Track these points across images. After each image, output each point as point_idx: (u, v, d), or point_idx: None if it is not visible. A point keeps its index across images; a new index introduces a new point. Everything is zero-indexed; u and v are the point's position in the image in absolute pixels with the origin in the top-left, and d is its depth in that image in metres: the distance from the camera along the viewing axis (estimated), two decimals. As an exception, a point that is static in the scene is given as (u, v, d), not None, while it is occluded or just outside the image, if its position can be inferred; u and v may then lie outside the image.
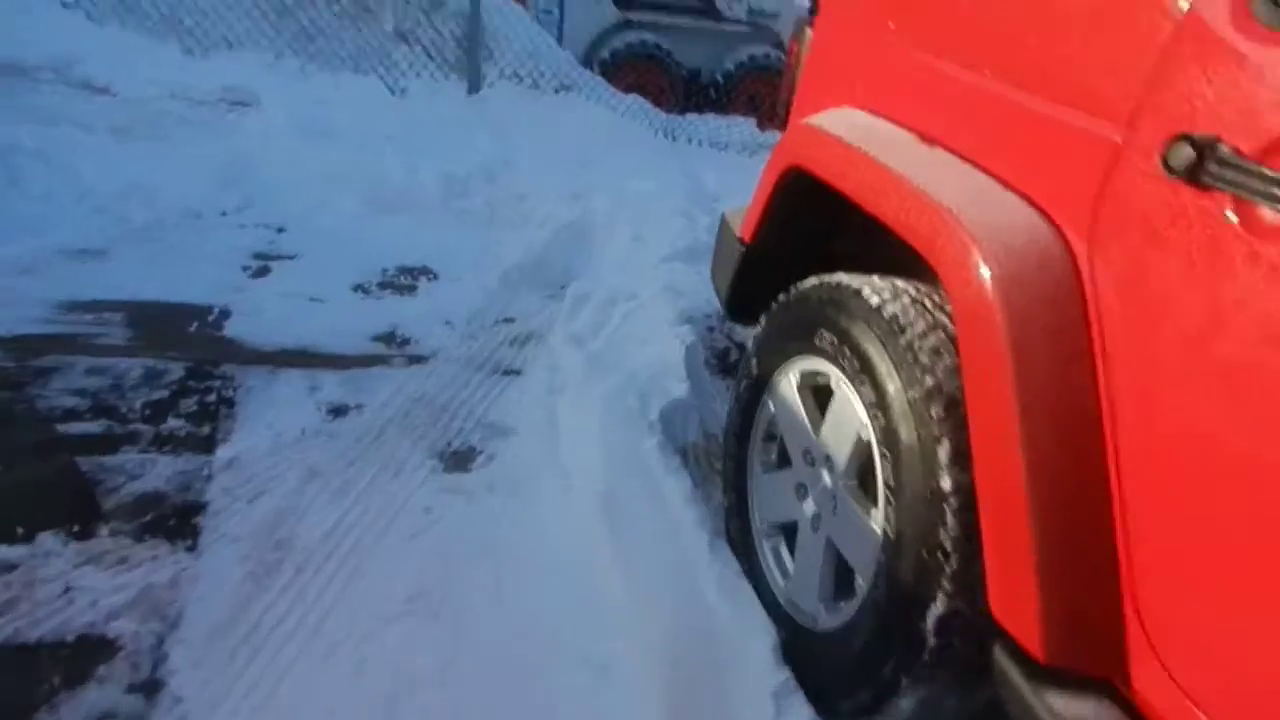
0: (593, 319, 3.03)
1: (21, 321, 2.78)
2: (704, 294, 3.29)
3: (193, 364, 2.69)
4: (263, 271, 3.51)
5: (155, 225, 3.73)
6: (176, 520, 2.01)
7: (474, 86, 5.08)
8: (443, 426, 2.53)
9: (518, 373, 2.92)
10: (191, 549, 1.93)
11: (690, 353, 2.72)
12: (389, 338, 3.07)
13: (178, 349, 2.77)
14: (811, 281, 1.72)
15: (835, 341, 1.58)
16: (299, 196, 4.20)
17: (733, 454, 1.97)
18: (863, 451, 1.55)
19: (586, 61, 5.81)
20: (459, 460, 2.39)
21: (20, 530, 1.88)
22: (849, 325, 1.55)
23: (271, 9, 4.75)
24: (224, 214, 4.01)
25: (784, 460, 1.83)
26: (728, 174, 5.26)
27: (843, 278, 1.63)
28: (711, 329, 3.11)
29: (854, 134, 1.64)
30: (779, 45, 6.37)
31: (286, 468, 2.20)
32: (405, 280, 3.64)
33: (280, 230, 3.93)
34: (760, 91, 6.27)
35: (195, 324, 2.97)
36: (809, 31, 2.04)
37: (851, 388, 1.55)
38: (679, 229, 4.03)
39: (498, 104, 5.07)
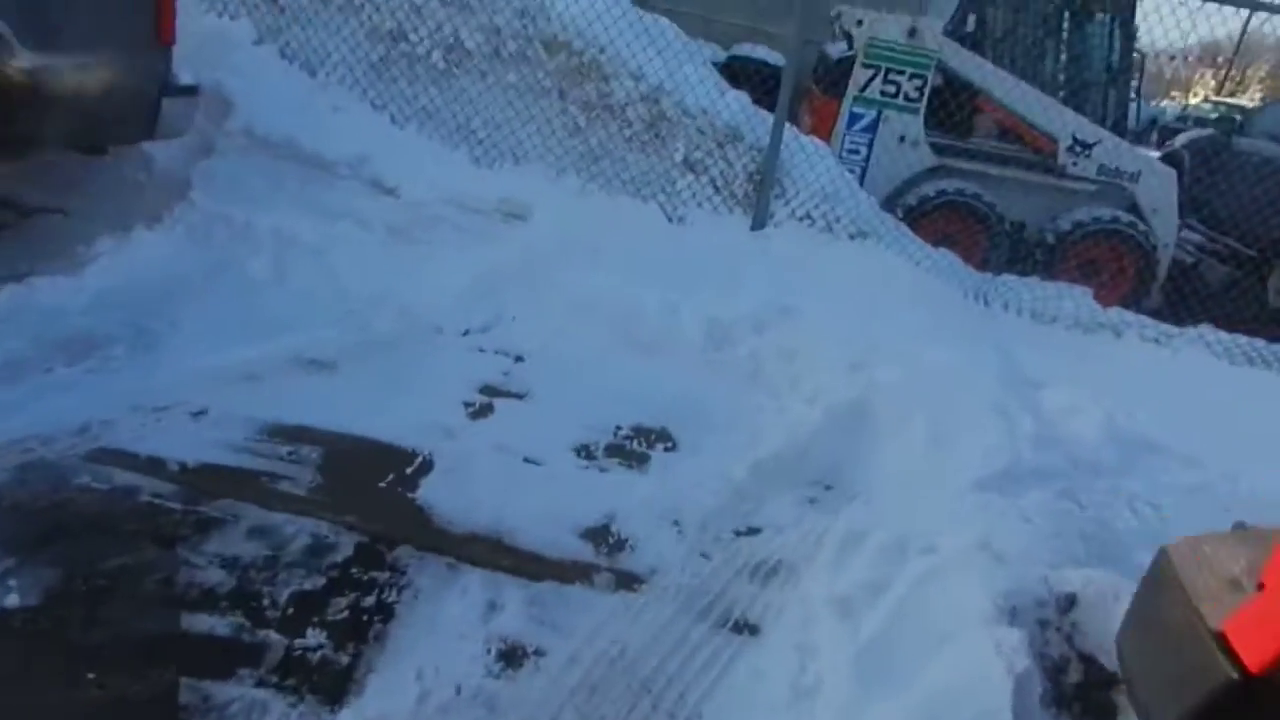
0: (869, 574, 2.17)
1: (216, 446, 2.48)
2: (1032, 557, 2.30)
3: (367, 539, 2.20)
4: (484, 411, 3.06)
5: (394, 340, 3.46)
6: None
7: (759, 223, 4.52)
8: None
9: (755, 631, 2.11)
10: None
11: (1021, 689, 1.75)
12: (601, 535, 2.42)
13: (359, 512, 2.31)
14: None
15: None
16: (547, 321, 3.80)
17: None
18: None
19: (889, 206, 5.05)
20: (652, 797, 1.61)
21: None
22: None
23: (563, 127, 4.56)
24: (466, 333, 3.69)
25: None
26: (1053, 355, 4.17)
27: None
28: (1045, 625, 2.10)
29: None
30: (1133, 209, 5.21)
31: (414, 768, 1.56)
32: (638, 446, 3.02)
33: (518, 359, 3.52)
34: (1102, 259, 5.12)
35: (391, 476, 2.52)
36: None
37: None
38: (994, 435, 3.05)
39: (781, 244, 4.46)
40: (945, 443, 3.01)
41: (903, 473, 2.84)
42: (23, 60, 2.84)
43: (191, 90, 3.61)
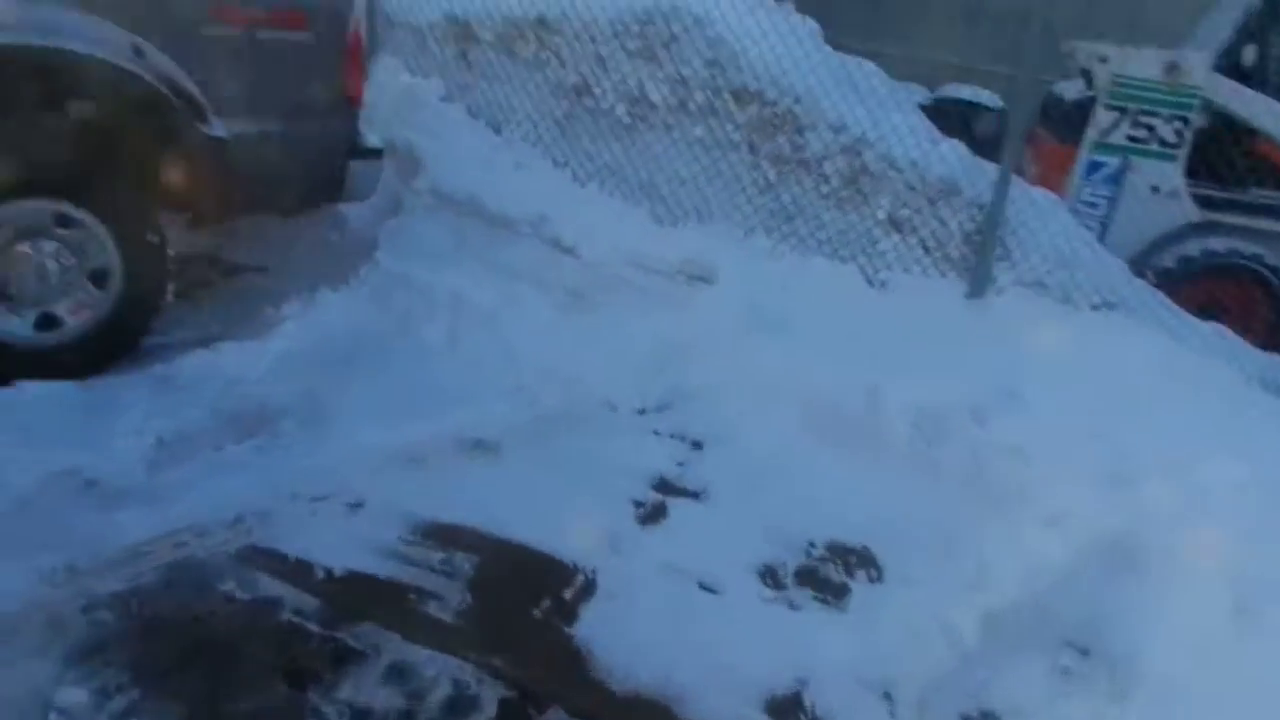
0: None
1: (366, 549, 2.26)
2: None
3: (514, 694, 1.87)
4: (656, 515, 2.69)
5: (563, 417, 3.19)
6: None
7: (977, 290, 3.90)
8: None
9: None
10: None
11: None
12: (791, 710, 1.95)
13: (509, 652, 1.99)
14: None
15: None
16: (730, 402, 3.39)
17: None
18: None
19: (1137, 269, 4.25)
20: None
21: None
22: None
23: (753, 183, 4.18)
24: (641, 411, 3.37)
25: None
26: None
27: None
28: None
29: None
30: None
31: None
32: (834, 572, 2.53)
33: (695, 445, 3.14)
34: None
35: (548, 601, 2.19)
36: None
37: None
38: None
39: (1006, 316, 3.81)
40: (1253, 599, 2.29)
41: (1195, 644, 2.17)
42: (215, 129, 2.84)
43: (377, 152, 3.56)
